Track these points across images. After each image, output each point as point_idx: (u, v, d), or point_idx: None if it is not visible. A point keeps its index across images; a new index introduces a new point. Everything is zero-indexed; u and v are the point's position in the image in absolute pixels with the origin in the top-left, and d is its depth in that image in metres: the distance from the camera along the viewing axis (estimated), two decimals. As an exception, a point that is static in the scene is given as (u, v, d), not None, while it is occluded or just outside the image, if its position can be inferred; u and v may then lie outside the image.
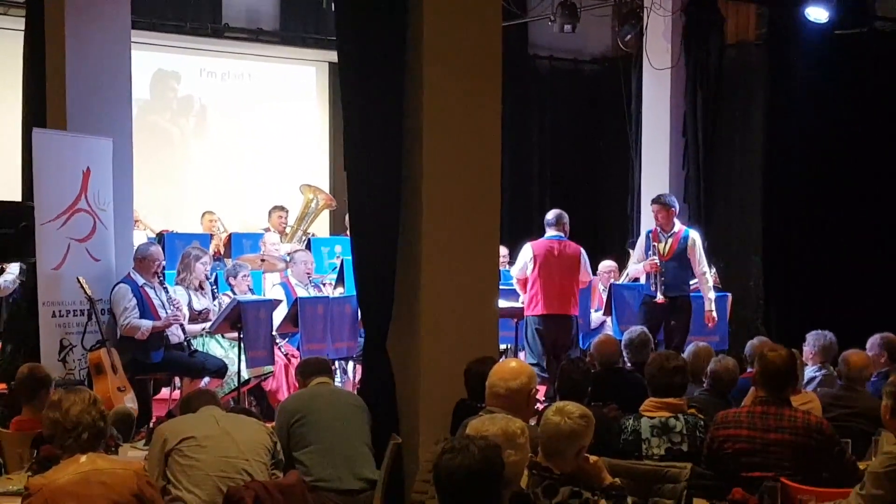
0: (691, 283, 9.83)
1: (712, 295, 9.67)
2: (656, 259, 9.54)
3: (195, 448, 4.84)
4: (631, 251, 10.59)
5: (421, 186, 6.14)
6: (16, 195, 8.80)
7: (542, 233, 9.64)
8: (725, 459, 5.13)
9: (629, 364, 7.50)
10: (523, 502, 3.90)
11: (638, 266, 9.81)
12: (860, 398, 6.55)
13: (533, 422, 5.01)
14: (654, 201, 9.84)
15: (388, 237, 6.14)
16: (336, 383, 9.07)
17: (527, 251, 9.40)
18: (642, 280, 9.86)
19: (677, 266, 9.58)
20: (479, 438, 3.48)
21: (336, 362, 9.43)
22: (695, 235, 9.73)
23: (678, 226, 9.73)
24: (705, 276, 9.64)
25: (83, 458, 4.19)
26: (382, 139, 6.12)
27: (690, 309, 9.63)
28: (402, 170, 6.15)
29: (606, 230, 13.49)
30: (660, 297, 9.49)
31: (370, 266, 6.27)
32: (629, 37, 12.12)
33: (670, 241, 9.60)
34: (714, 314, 9.61)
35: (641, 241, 9.86)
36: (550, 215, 9.54)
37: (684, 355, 6.86)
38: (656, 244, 9.61)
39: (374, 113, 6.13)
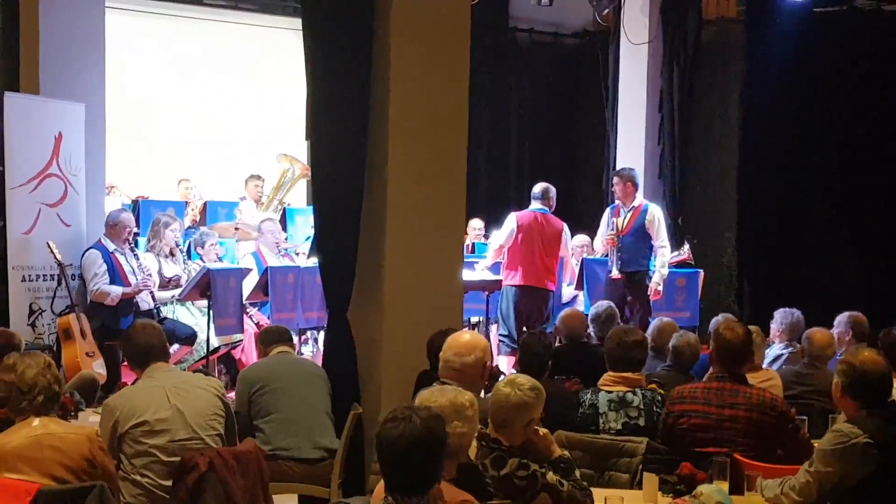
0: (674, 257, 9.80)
1: (665, 270, 9.57)
2: (614, 234, 9.53)
3: (148, 433, 4.78)
4: None
5: (386, 156, 6.11)
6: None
7: (519, 206, 9.60)
8: (680, 434, 5.12)
9: (596, 339, 7.50)
10: (471, 473, 3.92)
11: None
12: (822, 376, 6.56)
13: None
14: (616, 174, 9.77)
15: (352, 207, 6.12)
16: (307, 353, 9.13)
17: (511, 220, 9.34)
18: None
19: (634, 241, 9.51)
20: (422, 409, 3.48)
21: (307, 332, 9.45)
22: (655, 209, 9.66)
23: (639, 200, 9.65)
24: (662, 251, 9.53)
25: (36, 422, 4.21)
26: (348, 109, 6.07)
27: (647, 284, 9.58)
28: (367, 140, 6.12)
29: (581, 204, 13.48)
30: (615, 273, 9.48)
31: (332, 235, 6.24)
32: (607, 11, 12.08)
33: (629, 215, 9.56)
34: (660, 289, 9.51)
35: (605, 217, 9.80)
36: (537, 188, 9.47)
37: (648, 331, 6.88)
38: (616, 219, 9.58)
39: (339, 82, 6.06)
